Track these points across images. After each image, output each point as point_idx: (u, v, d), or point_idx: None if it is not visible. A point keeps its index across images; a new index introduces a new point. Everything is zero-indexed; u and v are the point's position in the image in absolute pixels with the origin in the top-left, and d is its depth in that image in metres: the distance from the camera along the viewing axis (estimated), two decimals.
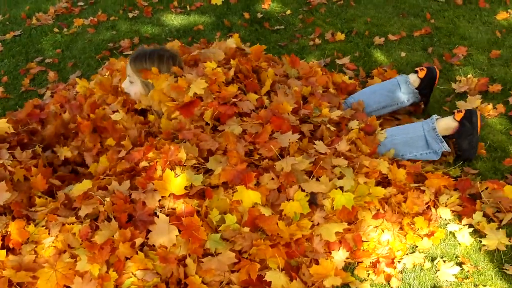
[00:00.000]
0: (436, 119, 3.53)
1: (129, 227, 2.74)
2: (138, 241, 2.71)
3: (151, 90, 3.42)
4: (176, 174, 2.89)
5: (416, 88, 3.91)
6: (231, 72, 3.54)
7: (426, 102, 4.04)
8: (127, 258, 2.69)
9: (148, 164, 3.03)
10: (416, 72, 3.92)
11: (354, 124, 3.49)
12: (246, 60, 3.80)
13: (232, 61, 3.68)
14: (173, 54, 3.60)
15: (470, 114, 3.50)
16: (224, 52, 3.84)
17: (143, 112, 3.53)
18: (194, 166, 3.03)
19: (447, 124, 3.53)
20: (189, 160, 3.01)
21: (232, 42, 4.01)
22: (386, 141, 3.49)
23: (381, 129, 3.57)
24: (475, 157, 3.56)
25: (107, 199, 2.86)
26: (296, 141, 3.19)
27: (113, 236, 2.71)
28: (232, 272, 2.72)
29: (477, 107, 3.99)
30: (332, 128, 3.40)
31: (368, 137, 3.45)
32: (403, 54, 4.85)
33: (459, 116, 3.51)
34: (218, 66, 3.55)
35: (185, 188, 2.86)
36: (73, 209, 2.94)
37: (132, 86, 3.56)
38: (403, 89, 3.91)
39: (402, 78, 3.97)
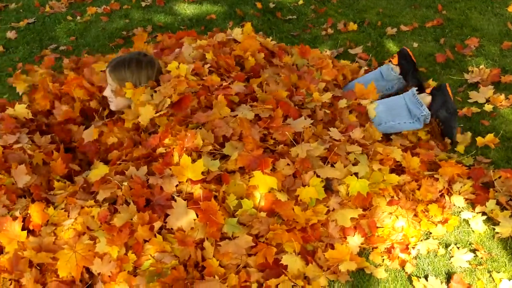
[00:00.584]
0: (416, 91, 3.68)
1: (147, 211, 2.78)
2: (157, 224, 2.75)
3: (133, 105, 3.36)
4: (193, 159, 2.92)
5: (399, 74, 4.03)
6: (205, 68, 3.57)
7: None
8: (145, 241, 2.72)
9: (164, 151, 3.06)
10: (390, 62, 4.12)
11: (343, 103, 3.56)
12: (227, 51, 3.85)
13: (207, 55, 3.71)
14: (151, 60, 3.51)
15: (439, 86, 3.70)
16: (208, 46, 3.89)
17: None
18: (210, 152, 3.06)
19: (422, 98, 3.65)
20: (206, 146, 3.04)
21: (238, 32, 4.07)
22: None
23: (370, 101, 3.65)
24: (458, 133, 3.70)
25: (125, 183, 2.89)
26: (310, 127, 3.23)
27: (131, 219, 2.75)
28: (249, 255, 2.76)
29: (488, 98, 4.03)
30: (327, 111, 3.45)
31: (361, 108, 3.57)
32: (415, 44, 4.86)
33: (429, 90, 3.71)
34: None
35: (202, 173, 2.88)
36: (91, 193, 2.98)
37: (114, 97, 3.47)
38: (386, 76, 4.02)
39: (384, 67, 4.09)
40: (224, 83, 3.42)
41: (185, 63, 3.50)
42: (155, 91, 3.32)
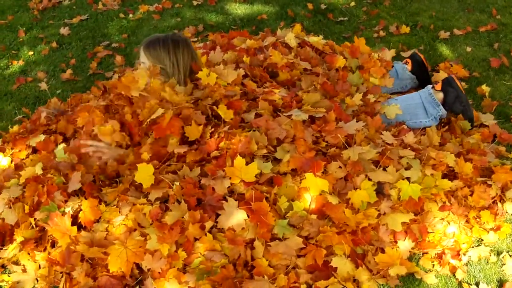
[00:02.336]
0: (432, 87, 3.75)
1: (198, 210, 2.80)
2: (208, 224, 2.77)
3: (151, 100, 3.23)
4: (246, 162, 2.93)
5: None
6: (240, 73, 3.55)
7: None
8: (196, 239, 2.75)
9: (218, 154, 3.06)
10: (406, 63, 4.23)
11: (371, 98, 3.63)
12: (259, 62, 3.84)
13: (245, 58, 3.76)
14: (187, 40, 3.53)
15: (447, 81, 3.75)
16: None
17: None
18: (263, 155, 3.07)
19: (435, 95, 3.71)
20: (260, 149, 3.05)
21: (291, 36, 4.12)
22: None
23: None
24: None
25: (176, 183, 2.91)
26: (362, 129, 3.23)
27: (183, 218, 2.77)
28: (299, 257, 2.76)
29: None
30: (365, 117, 3.46)
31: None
32: (468, 49, 4.80)
33: (439, 86, 3.76)
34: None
35: (255, 175, 2.90)
36: (142, 192, 3.00)
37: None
38: (400, 75, 4.16)
39: (399, 66, 4.21)
40: (266, 89, 3.43)
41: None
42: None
